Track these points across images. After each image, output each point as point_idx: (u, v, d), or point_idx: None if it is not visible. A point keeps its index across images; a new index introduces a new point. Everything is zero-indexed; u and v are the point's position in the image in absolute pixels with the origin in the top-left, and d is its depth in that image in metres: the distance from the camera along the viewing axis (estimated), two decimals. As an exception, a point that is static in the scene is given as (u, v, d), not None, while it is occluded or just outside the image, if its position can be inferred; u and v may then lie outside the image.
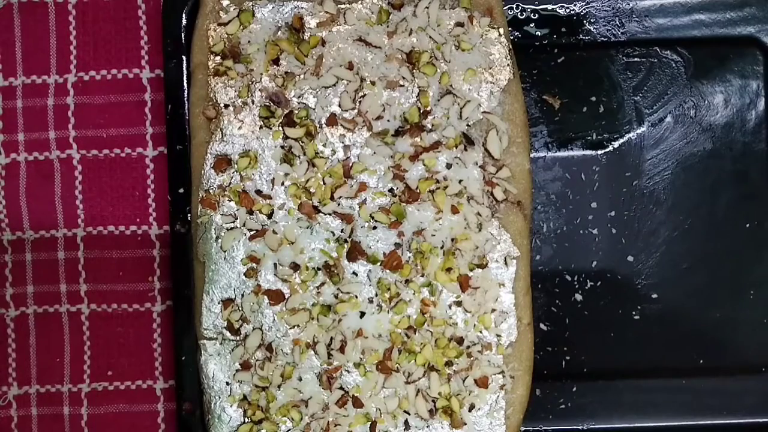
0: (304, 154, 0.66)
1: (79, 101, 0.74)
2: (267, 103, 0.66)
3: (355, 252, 0.65)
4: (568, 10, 0.71)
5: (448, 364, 0.65)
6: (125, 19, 0.74)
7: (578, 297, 0.72)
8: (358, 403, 0.65)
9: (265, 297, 0.66)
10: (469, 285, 0.65)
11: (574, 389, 0.71)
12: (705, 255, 0.72)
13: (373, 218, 0.65)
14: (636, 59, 0.72)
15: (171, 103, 0.68)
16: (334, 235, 0.66)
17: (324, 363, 0.65)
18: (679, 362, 0.71)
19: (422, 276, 0.65)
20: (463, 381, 0.65)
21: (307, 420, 0.65)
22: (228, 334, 0.66)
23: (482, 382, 0.65)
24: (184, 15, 0.68)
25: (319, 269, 0.66)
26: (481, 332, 0.65)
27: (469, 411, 0.65)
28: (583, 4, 0.71)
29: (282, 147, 0.66)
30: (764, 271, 0.71)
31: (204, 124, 0.67)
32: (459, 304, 0.65)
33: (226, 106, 0.66)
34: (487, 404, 0.65)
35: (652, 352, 0.71)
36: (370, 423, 0.65)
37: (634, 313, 0.71)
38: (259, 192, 0.66)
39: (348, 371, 0.65)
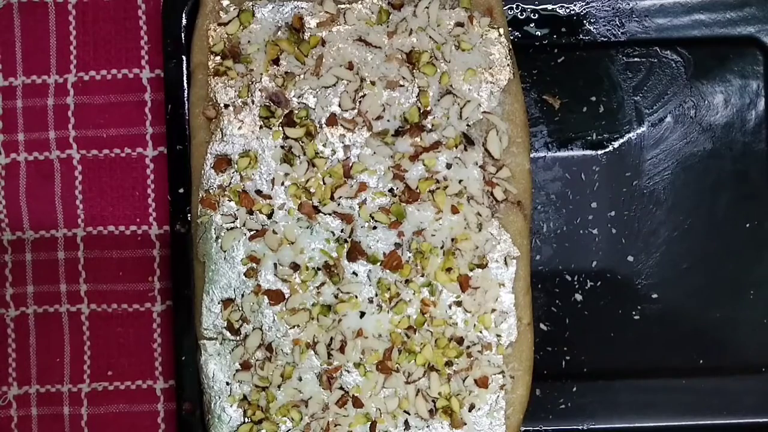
0: (304, 154, 0.66)
1: (79, 101, 0.74)
2: (267, 103, 0.66)
3: (355, 252, 0.65)
4: (568, 10, 0.71)
5: (448, 364, 0.65)
6: (125, 19, 0.74)
7: (578, 297, 0.71)
8: (358, 403, 0.65)
9: (265, 297, 0.66)
10: (469, 285, 0.65)
11: (574, 389, 0.71)
12: (705, 255, 0.72)
13: (373, 218, 0.65)
14: (636, 59, 0.72)
15: (171, 103, 0.68)
16: (334, 235, 0.66)
17: (324, 363, 0.65)
18: (679, 362, 0.71)
19: (422, 276, 0.65)
20: (463, 381, 0.65)
21: (307, 420, 0.65)
22: (228, 334, 0.66)
23: (482, 382, 0.65)
24: (184, 15, 0.68)
25: (319, 269, 0.66)
26: (481, 332, 0.65)
27: (469, 411, 0.65)
28: (583, 4, 0.71)
29: (282, 147, 0.66)
30: (764, 271, 0.71)
31: (204, 124, 0.67)
32: (459, 304, 0.65)
33: (226, 106, 0.66)
34: (487, 404, 0.65)
35: (652, 352, 0.71)
36: (370, 423, 0.65)
37: (634, 313, 0.71)
38: (259, 192, 0.66)
39: (348, 371, 0.65)
